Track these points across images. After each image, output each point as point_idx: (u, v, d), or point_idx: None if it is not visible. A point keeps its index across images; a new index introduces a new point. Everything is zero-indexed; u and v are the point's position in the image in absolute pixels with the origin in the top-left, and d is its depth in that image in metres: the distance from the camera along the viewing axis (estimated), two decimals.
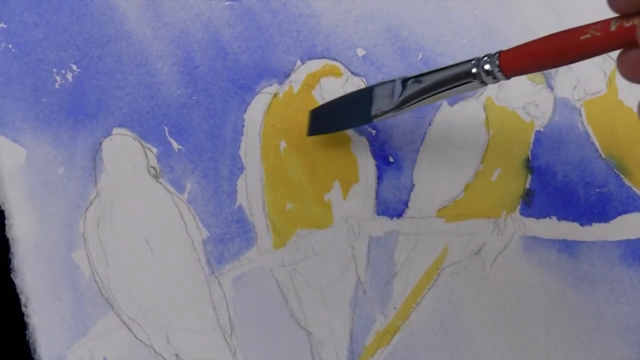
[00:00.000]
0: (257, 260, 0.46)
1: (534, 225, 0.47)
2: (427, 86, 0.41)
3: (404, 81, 0.42)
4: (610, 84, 0.49)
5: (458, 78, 0.40)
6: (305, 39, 0.49)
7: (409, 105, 0.42)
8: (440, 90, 0.41)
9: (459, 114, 0.48)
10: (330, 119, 0.46)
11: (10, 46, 0.48)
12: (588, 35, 0.35)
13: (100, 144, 0.47)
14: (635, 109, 0.48)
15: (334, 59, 0.49)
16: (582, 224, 0.47)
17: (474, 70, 0.39)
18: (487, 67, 0.38)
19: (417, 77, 0.42)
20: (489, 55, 0.39)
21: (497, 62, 0.38)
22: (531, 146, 0.48)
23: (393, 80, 0.43)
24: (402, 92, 0.42)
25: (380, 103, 0.43)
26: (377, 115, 0.43)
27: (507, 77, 0.38)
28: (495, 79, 0.39)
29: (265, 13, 0.49)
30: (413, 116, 0.48)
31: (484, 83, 0.39)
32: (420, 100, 0.41)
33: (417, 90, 0.41)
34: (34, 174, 0.46)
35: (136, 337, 0.45)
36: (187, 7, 0.49)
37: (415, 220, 0.47)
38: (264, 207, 0.46)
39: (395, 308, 0.46)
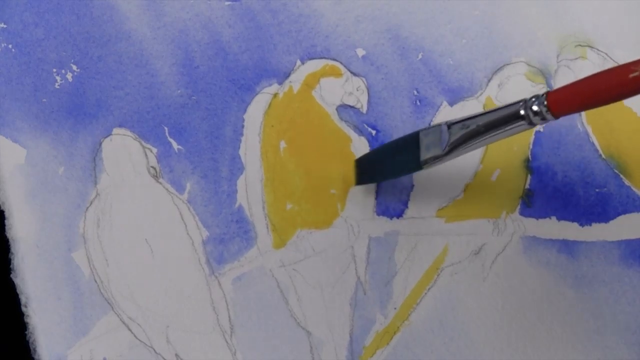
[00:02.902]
0: (257, 260, 0.46)
1: (533, 226, 0.47)
2: (475, 130, 0.41)
3: (450, 126, 0.42)
4: None
5: (506, 120, 0.40)
6: (305, 39, 0.49)
7: (458, 151, 0.41)
8: (488, 133, 0.40)
9: (459, 114, 0.48)
10: (377, 168, 0.46)
11: (10, 46, 0.48)
12: (636, 73, 0.35)
13: (100, 144, 0.47)
14: (634, 109, 0.48)
15: (334, 59, 0.49)
16: (582, 224, 0.47)
17: (522, 112, 0.39)
18: (535, 108, 0.38)
19: (464, 121, 0.41)
20: (537, 96, 0.38)
21: (546, 102, 0.38)
22: (531, 146, 0.48)
23: (439, 125, 0.42)
24: (449, 138, 0.41)
25: (428, 150, 0.42)
26: (427, 163, 0.42)
27: (556, 117, 0.38)
28: (544, 120, 0.38)
29: (265, 13, 0.49)
30: (413, 116, 0.48)
31: (532, 124, 0.39)
32: (469, 144, 0.41)
33: (464, 135, 0.41)
34: (34, 174, 0.46)
35: (136, 337, 0.45)
36: (187, 7, 0.49)
37: (415, 220, 0.47)
38: (263, 207, 0.46)
39: (395, 308, 0.46)
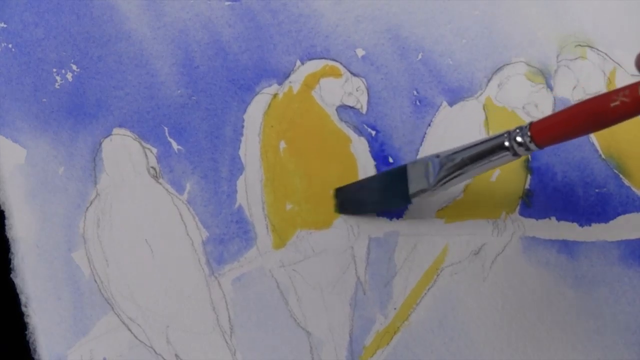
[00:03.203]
0: (257, 260, 0.46)
1: (533, 226, 0.47)
2: (461, 162, 0.41)
3: (437, 158, 0.42)
4: (610, 84, 0.49)
5: (491, 152, 0.40)
6: (305, 39, 0.49)
7: (445, 184, 0.42)
8: (474, 165, 0.41)
9: (459, 114, 0.48)
10: (362, 200, 0.46)
11: (10, 46, 0.48)
12: (617, 102, 0.35)
13: (100, 144, 0.47)
14: None
15: (334, 59, 0.49)
16: (581, 225, 0.47)
17: (506, 143, 0.40)
18: (519, 139, 0.39)
19: (450, 155, 0.42)
20: (520, 128, 0.39)
21: (529, 133, 0.38)
22: None
23: (425, 158, 0.43)
24: (437, 171, 0.42)
25: (416, 183, 0.43)
26: (415, 196, 0.43)
27: (540, 148, 0.39)
28: (528, 150, 0.39)
29: (265, 13, 0.49)
30: (413, 116, 0.48)
31: (517, 155, 0.40)
32: (456, 176, 0.42)
33: (451, 167, 0.42)
34: (34, 174, 0.46)
35: (136, 337, 0.45)
36: (187, 7, 0.49)
37: (415, 220, 0.47)
38: (263, 208, 0.46)
39: (395, 308, 0.46)
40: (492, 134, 0.47)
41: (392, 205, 0.46)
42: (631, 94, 0.35)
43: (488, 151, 0.40)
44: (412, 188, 0.43)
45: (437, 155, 0.42)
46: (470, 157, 0.41)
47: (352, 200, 0.46)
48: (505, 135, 0.40)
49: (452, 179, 0.42)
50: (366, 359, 0.45)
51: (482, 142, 0.41)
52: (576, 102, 0.38)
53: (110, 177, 0.46)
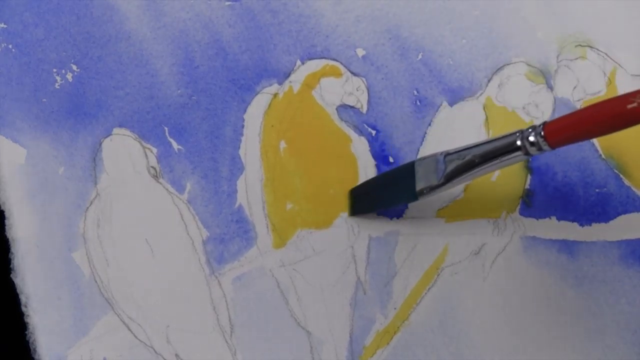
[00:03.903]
0: (257, 260, 0.46)
1: (533, 226, 0.47)
2: (471, 161, 0.40)
3: (446, 156, 0.42)
4: (610, 84, 0.49)
5: (502, 151, 0.40)
6: (305, 39, 0.49)
7: (453, 181, 0.41)
8: (484, 164, 0.40)
9: (459, 114, 0.48)
10: (372, 198, 0.46)
11: (10, 46, 0.48)
12: (634, 104, 0.35)
13: (100, 144, 0.47)
14: None
15: (334, 59, 0.49)
16: (581, 224, 0.47)
17: (518, 142, 0.39)
18: (531, 138, 0.38)
19: (460, 152, 0.41)
20: (533, 127, 0.38)
21: (542, 133, 0.38)
22: None
23: (434, 155, 0.42)
24: (445, 168, 0.41)
25: (424, 180, 0.42)
26: (422, 193, 0.42)
27: (552, 148, 0.38)
28: (540, 150, 0.38)
29: (265, 13, 0.49)
30: (413, 116, 0.48)
31: (528, 154, 0.39)
32: (465, 175, 0.41)
33: (460, 166, 0.41)
34: (34, 174, 0.46)
35: (136, 337, 0.45)
36: (187, 7, 0.49)
37: (415, 220, 0.47)
38: (263, 207, 0.46)
39: (395, 308, 0.46)
40: (496, 133, 0.48)
41: (400, 202, 0.45)
42: None
43: (499, 150, 0.40)
44: (420, 184, 0.43)
45: (446, 152, 0.42)
46: (480, 155, 0.40)
47: (363, 199, 0.46)
48: (518, 134, 0.39)
49: (460, 176, 0.41)
50: (366, 359, 0.45)
51: (492, 140, 0.40)
52: (592, 104, 0.37)
53: (111, 177, 0.46)
